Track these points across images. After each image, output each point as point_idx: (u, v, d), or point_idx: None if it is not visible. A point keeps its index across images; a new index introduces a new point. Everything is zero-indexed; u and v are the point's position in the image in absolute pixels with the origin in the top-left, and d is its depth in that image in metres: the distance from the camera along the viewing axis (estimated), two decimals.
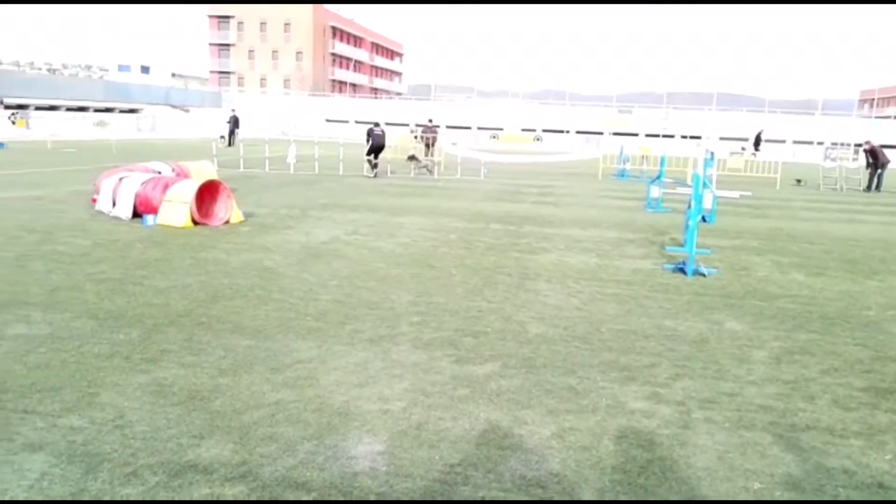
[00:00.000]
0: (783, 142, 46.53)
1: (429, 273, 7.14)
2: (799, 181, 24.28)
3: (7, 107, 32.64)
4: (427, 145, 23.60)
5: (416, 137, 24.71)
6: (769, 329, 5.71)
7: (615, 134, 50.53)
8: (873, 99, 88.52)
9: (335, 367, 4.31)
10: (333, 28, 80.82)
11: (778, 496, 3.07)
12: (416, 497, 2.90)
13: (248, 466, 3.07)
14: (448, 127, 53.02)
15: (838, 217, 14.56)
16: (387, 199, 13.80)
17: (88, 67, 72.25)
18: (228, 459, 3.12)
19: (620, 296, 6.59)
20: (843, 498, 3.08)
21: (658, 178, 14.63)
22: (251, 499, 2.85)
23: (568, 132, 55.03)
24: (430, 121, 25.84)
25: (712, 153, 18.37)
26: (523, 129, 55.05)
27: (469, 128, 52.17)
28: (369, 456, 3.22)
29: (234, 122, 30.22)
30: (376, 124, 19.62)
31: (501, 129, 53.87)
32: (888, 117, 71.20)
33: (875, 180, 22.31)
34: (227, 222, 9.53)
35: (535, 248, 9.01)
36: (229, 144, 27.78)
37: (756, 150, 37.71)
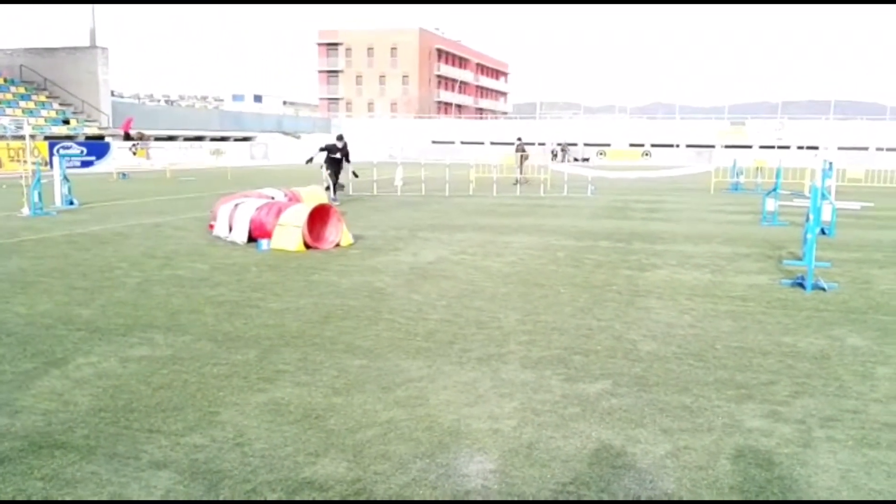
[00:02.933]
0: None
1: (537, 291, 7.19)
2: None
3: (127, 137, 34.72)
4: (518, 162, 23.89)
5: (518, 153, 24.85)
6: (894, 345, 5.37)
7: (727, 147, 48.53)
8: None
9: (445, 386, 4.44)
10: (439, 50, 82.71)
11: None
12: None
13: (362, 484, 3.21)
14: (557, 144, 52.86)
15: None
16: (493, 219, 13.95)
17: (204, 98, 77.18)
18: (343, 477, 3.28)
19: (735, 312, 6.38)
20: None
21: (774, 190, 14.01)
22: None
23: (678, 146, 53.40)
24: (520, 139, 25.96)
25: (830, 163, 17.37)
26: (631, 145, 53.94)
27: (575, 144, 51.65)
28: (481, 474, 3.30)
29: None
30: (339, 137, 18.06)
31: (609, 146, 53.03)
32: None
33: None
34: (337, 245, 9.96)
35: (645, 264, 8.86)
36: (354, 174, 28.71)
37: None
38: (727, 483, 3.21)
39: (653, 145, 53.27)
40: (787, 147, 46.99)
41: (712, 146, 50.52)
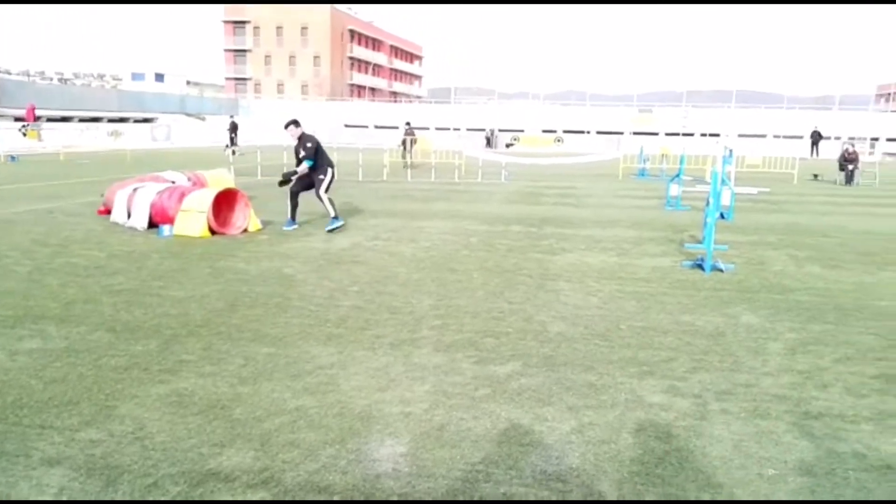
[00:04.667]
0: (800, 137, 45.99)
1: (450, 276, 7.23)
2: (816, 176, 24.03)
3: (18, 118, 32.69)
4: (405, 146, 24.01)
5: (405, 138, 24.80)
6: (784, 321, 5.73)
7: (635, 133, 50.27)
8: (889, 93, 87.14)
9: (356, 373, 4.40)
10: (352, 31, 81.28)
11: (791, 481, 3.11)
12: (439, 497, 2.98)
13: (269, 473, 3.15)
14: (468, 130, 53.20)
15: (854, 211, 14.46)
16: (407, 204, 13.91)
17: (101, 76, 73.11)
18: (250, 466, 3.21)
19: (639, 293, 6.63)
20: (852, 480, 3.12)
21: (677, 176, 14.62)
22: (267, 499, 2.94)
23: (589, 133, 54.83)
24: (408, 123, 26.01)
25: (731, 150, 18.30)
26: (544, 131, 54.98)
27: (483, 130, 52.16)
28: (392, 458, 3.31)
29: (233, 129, 30.77)
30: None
31: (522, 131, 53.85)
32: None
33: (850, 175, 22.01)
34: (245, 231, 9.68)
35: (556, 248, 9.06)
36: (233, 153, 28.13)
37: (815, 147, 37.29)
38: (628, 455, 3.34)
39: (565, 131, 54.44)
40: (691, 134, 49.17)
41: (621, 133, 52.23)
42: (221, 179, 12.80)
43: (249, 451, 3.33)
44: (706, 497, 2.99)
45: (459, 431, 3.59)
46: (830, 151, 37.85)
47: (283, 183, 10.18)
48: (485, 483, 3.08)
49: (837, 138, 42.56)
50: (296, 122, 10.07)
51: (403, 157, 23.69)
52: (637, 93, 61.72)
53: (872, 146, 39.66)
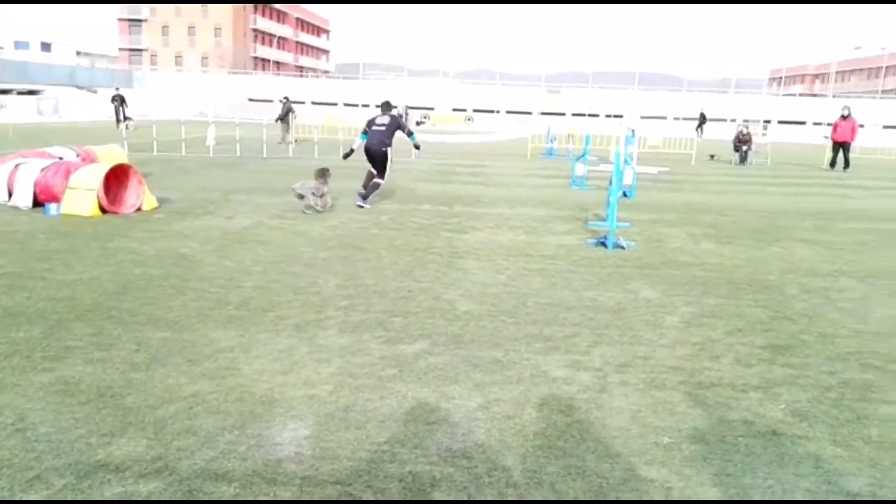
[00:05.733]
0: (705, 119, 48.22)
1: (358, 255, 7.11)
2: (712, 156, 25.23)
3: None
4: (283, 121, 23.59)
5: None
6: (681, 296, 5.98)
7: (544, 114, 51.15)
8: (781, 77, 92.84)
9: (258, 356, 4.26)
10: (255, 3, 78.33)
11: (685, 449, 3.24)
12: (342, 478, 2.92)
13: (163, 461, 3.00)
14: (377, 106, 52.59)
15: (747, 189, 15.29)
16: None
17: None
18: (142, 456, 3.04)
19: (546, 270, 6.74)
20: (741, 446, 3.28)
21: (583, 156, 14.96)
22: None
23: (498, 112, 55.39)
24: (286, 97, 25.32)
25: (633, 131, 18.91)
26: (454, 109, 55.11)
27: (396, 108, 51.80)
28: (294, 441, 3.22)
29: (121, 101, 29.31)
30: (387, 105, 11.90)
31: (433, 109, 53.76)
32: (794, 95, 74.94)
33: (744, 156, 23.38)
34: (138, 209, 9.19)
35: (465, 227, 9.09)
36: (119, 124, 26.72)
37: (700, 129, 39.12)
38: (532, 430, 3.39)
39: (475, 110, 54.82)
40: (597, 115, 50.54)
41: (530, 112, 53.07)
42: (113, 155, 12.07)
43: (142, 440, 3.16)
44: (605, 466, 3.06)
45: (365, 412, 3.54)
46: (724, 133, 39.80)
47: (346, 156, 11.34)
48: (390, 463, 3.05)
49: (733, 120, 44.79)
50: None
51: (283, 133, 23.17)
52: (546, 73, 62.73)
53: (765, 128, 42.04)
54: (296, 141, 22.37)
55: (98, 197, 8.72)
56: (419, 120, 50.59)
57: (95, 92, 48.08)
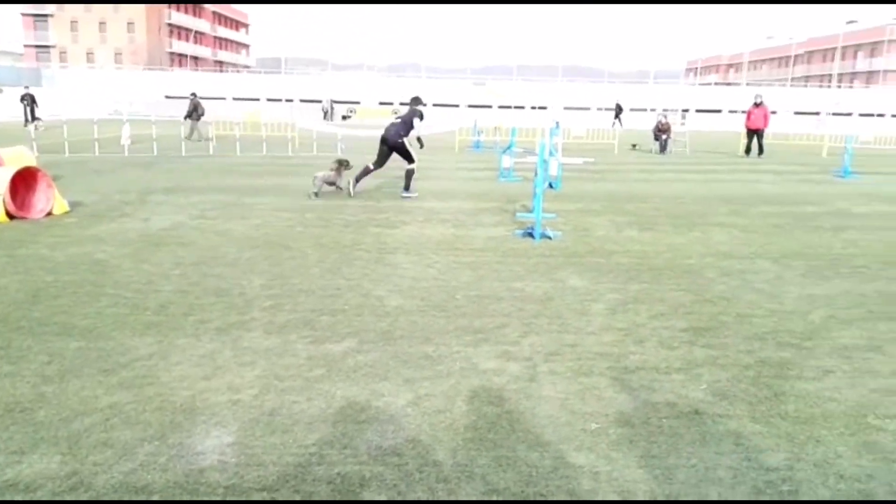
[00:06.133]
0: (622, 110, 49.47)
1: (283, 254, 6.95)
2: (634, 146, 25.96)
3: None
4: (192, 118, 23.11)
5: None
6: (606, 283, 6.10)
7: (471, 106, 51.46)
8: (697, 68, 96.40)
9: (178, 362, 4.09)
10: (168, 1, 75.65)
11: (612, 433, 3.30)
12: (268, 483, 2.84)
13: (79, 477, 2.84)
14: (302, 101, 51.69)
15: (667, 177, 15.79)
16: (238, 180, 13.25)
17: None
18: (56, 472, 2.88)
19: (475, 263, 6.76)
20: (665, 427, 3.37)
21: (509, 148, 15.10)
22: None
23: (425, 105, 55.24)
24: (194, 94, 24.71)
25: (557, 122, 19.22)
26: (381, 103, 54.76)
27: (320, 101, 50.98)
28: (218, 449, 3.10)
29: (31, 101, 27.89)
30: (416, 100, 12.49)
31: (358, 103, 53.24)
32: (709, 84, 78.01)
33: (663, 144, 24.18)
34: (49, 214, 8.73)
35: (394, 221, 9.03)
36: (27, 124, 25.37)
37: (618, 120, 40.10)
38: (462, 423, 3.38)
39: (402, 104, 54.57)
40: (522, 107, 51.20)
41: (457, 105, 53.27)
42: (21, 157, 11.40)
43: (55, 456, 2.99)
44: (535, 455, 3.08)
45: (292, 415, 3.45)
46: (645, 122, 40.98)
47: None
48: (318, 465, 2.98)
49: (653, 110, 46.17)
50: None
51: (191, 130, 22.54)
52: (471, 66, 63.19)
53: (683, 117, 43.47)
54: (207, 139, 21.69)
55: (4, 202, 8.22)
56: (345, 114, 50.08)
57: (1, 91, 45.43)
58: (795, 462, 3.08)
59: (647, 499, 2.79)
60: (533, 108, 50.74)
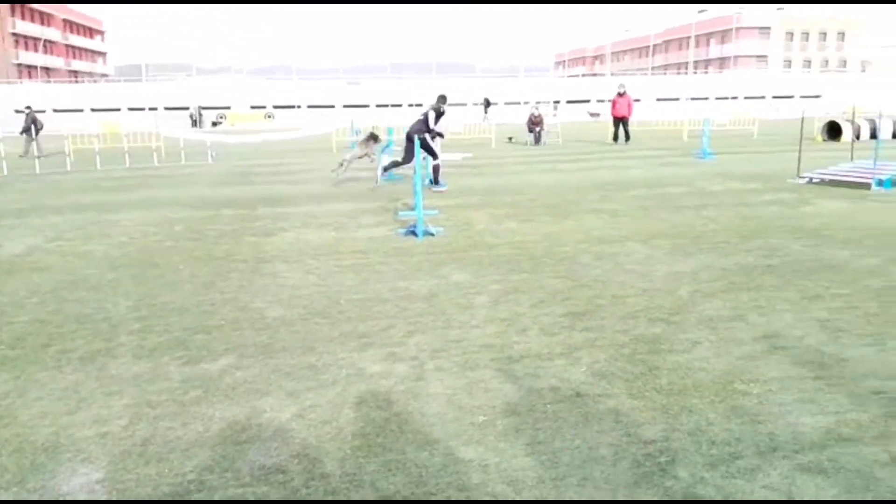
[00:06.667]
0: (496, 104, 50.61)
1: (152, 272, 6.57)
2: (510, 139, 26.63)
3: None
4: (29, 133, 21.75)
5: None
6: (488, 275, 6.20)
7: (347, 106, 50.92)
8: (564, 61, 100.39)
9: (38, 398, 3.76)
10: (11, 5, 69.75)
11: (499, 424, 3.34)
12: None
13: None
14: (166, 109, 49.26)
15: (542, 168, 16.30)
16: (98, 196, 12.42)
17: None
18: None
19: (357, 265, 6.67)
20: (549, 412, 3.45)
21: (387, 147, 15.02)
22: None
23: (300, 107, 54.28)
24: (29, 107, 23.12)
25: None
26: (252, 107, 53.14)
27: (188, 108, 48.73)
28: (86, 487, 2.87)
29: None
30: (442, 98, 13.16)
31: (229, 108, 51.38)
32: (577, 76, 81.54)
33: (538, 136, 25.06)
34: None
35: (271, 229, 8.76)
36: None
37: (486, 114, 40.81)
38: (350, 431, 3.31)
39: (275, 107, 53.30)
40: (400, 105, 51.25)
41: (332, 106, 52.61)
42: None
43: None
44: (424, 455, 3.06)
45: (167, 442, 3.25)
46: (519, 116, 42.15)
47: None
48: (197, 493, 2.82)
49: (526, 103, 47.52)
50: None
51: (27, 146, 21.04)
52: (344, 66, 62.59)
53: (555, 108, 45.05)
54: (42, 155, 20.10)
55: None
56: (215, 120, 48.23)
57: None
58: (671, 433, 3.23)
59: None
60: (410, 105, 50.90)
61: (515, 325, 4.80)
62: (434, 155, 12.46)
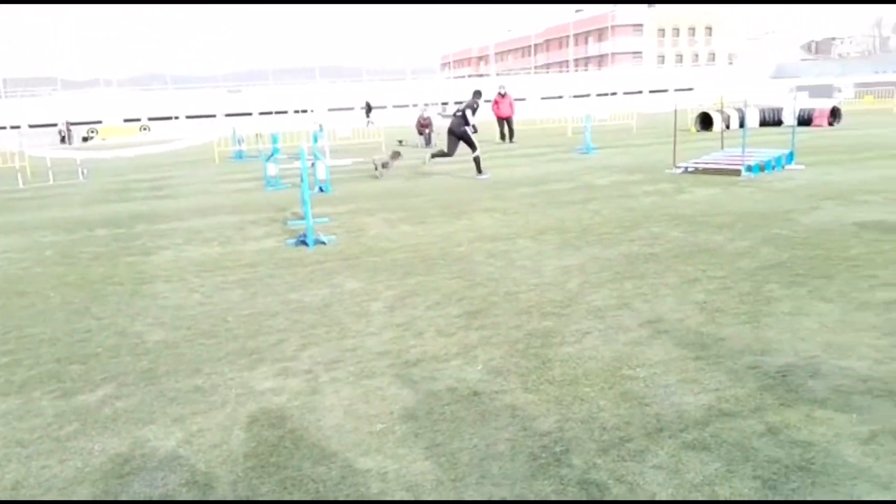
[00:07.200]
0: (385, 107, 50.58)
1: (19, 301, 6.08)
2: (401, 142, 26.64)
3: None
4: None
5: None
6: (383, 281, 6.14)
7: (228, 115, 49.29)
8: (450, 62, 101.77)
9: None
10: None
11: (397, 430, 3.30)
12: None
13: None
14: (31, 126, 45.94)
15: (434, 169, 16.36)
16: None
17: None
18: None
19: (245, 280, 6.45)
20: (448, 413, 3.44)
21: (272, 155, 14.64)
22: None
23: (178, 118, 52.08)
24: None
25: (321, 125, 19.08)
26: (126, 120, 50.46)
27: (55, 125, 45.58)
28: None
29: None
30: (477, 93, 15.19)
31: (100, 122, 48.55)
32: (463, 77, 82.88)
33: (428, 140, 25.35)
34: None
35: (151, 247, 8.32)
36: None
37: (368, 117, 40.60)
38: (242, 452, 3.17)
39: (151, 119, 50.88)
40: (285, 112, 50.17)
41: (213, 115, 50.82)
42: None
43: None
44: (321, 469, 2.98)
45: (41, 483, 3.00)
46: (409, 118, 42.27)
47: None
48: None
49: (415, 105, 47.71)
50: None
51: None
52: (223, 73, 60.55)
53: (444, 109, 45.46)
54: None
55: None
56: (85, 136, 45.49)
57: None
58: (564, 423, 3.31)
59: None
60: (295, 111, 49.97)
61: (412, 329, 4.77)
62: (474, 147, 13.87)
